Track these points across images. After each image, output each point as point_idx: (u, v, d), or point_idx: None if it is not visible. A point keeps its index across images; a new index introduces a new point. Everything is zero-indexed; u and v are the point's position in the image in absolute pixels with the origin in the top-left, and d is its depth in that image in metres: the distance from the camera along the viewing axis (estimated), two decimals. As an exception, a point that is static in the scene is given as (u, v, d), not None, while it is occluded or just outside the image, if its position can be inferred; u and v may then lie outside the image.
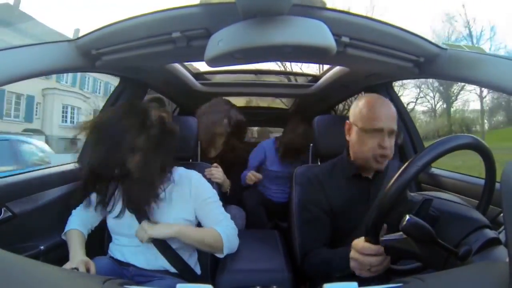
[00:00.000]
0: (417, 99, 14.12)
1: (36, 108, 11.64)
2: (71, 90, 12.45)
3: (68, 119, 12.39)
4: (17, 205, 0.85)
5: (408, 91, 13.86)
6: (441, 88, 13.42)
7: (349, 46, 0.81)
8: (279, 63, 6.89)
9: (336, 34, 0.72)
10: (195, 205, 0.90)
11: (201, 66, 1.81)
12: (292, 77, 2.19)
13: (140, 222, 0.84)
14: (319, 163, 1.15)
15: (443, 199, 0.54)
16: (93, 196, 0.88)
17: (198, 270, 0.94)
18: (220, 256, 0.87)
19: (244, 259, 0.90)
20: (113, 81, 1.29)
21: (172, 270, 0.87)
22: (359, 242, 0.59)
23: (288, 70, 7.15)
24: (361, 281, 0.41)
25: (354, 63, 1.05)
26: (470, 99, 13.44)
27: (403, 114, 1.30)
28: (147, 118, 0.82)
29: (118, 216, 0.86)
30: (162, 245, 0.85)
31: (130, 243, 0.87)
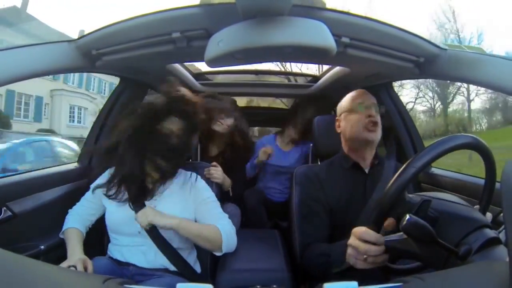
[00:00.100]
0: (416, 99, 14.24)
1: (45, 108, 12.08)
2: (78, 91, 12.90)
3: (75, 119, 12.84)
4: (18, 205, 0.85)
5: (408, 91, 13.99)
6: (437, 89, 13.64)
7: (349, 46, 0.81)
8: (278, 63, 6.89)
9: (336, 34, 0.72)
10: (194, 204, 0.91)
11: (202, 66, 1.82)
12: (292, 77, 2.19)
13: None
14: (319, 163, 1.16)
15: (442, 199, 0.54)
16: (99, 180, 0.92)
17: (197, 268, 0.95)
18: (219, 254, 0.87)
19: (244, 259, 0.90)
20: (118, 82, 1.30)
21: (172, 268, 0.87)
22: (360, 228, 0.57)
23: (288, 70, 7.16)
24: (361, 281, 0.41)
25: (354, 64, 1.05)
26: (459, 101, 13.79)
27: (403, 114, 1.30)
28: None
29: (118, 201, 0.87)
30: (162, 243, 0.86)
31: (129, 242, 0.87)
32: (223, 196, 1.20)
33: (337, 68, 1.35)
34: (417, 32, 0.82)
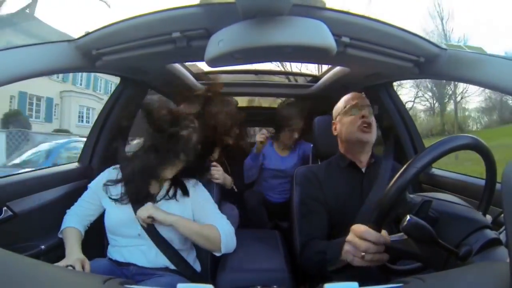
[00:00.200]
0: (415, 98, 14.29)
1: (55, 109, 12.50)
2: (86, 92, 13.36)
3: (84, 119, 13.30)
4: (18, 205, 0.85)
5: (407, 90, 14.03)
6: (434, 89, 13.73)
7: (349, 46, 0.81)
8: (278, 63, 6.90)
9: (336, 34, 0.72)
10: (192, 206, 0.92)
11: (203, 67, 1.81)
12: (292, 77, 2.19)
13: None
14: (319, 163, 1.16)
15: (442, 200, 0.54)
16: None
17: (197, 267, 0.95)
18: (218, 254, 0.87)
19: (245, 259, 0.90)
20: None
21: (172, 267, 0.87)
22: (360, 226, 0.56)
23: (288, 70, 7.15)
24: (361, 281, 0.41)
25: (354, 63, 1.05)
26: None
27: (402, 113, 1.30)
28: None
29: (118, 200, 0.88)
30: (162, 243, 0.86)
31: (128, 243, 0.88)
32: (226, 194, 1.20)
33: (337, 68, 1.35)
34: (417, 32, 0.82)
